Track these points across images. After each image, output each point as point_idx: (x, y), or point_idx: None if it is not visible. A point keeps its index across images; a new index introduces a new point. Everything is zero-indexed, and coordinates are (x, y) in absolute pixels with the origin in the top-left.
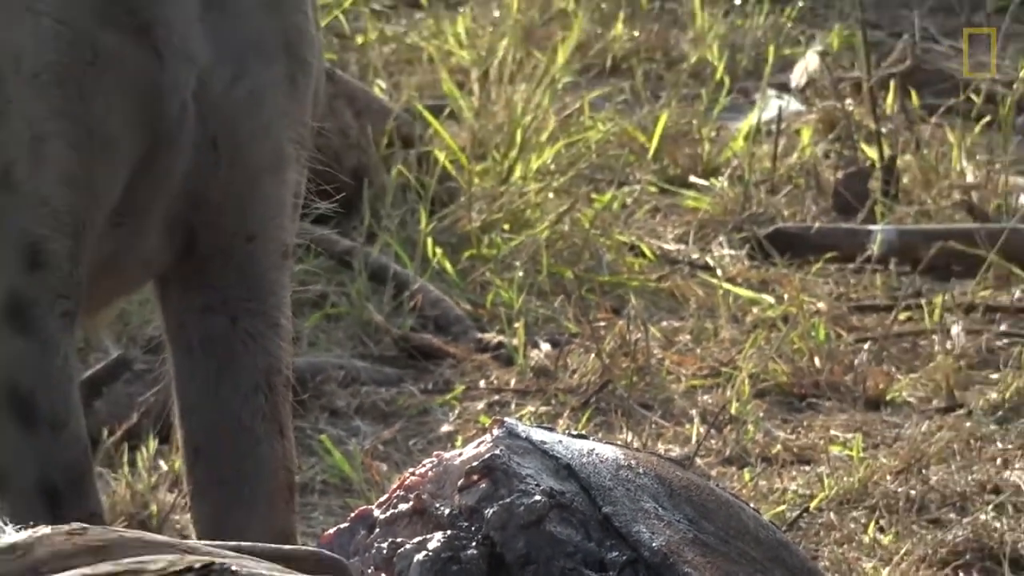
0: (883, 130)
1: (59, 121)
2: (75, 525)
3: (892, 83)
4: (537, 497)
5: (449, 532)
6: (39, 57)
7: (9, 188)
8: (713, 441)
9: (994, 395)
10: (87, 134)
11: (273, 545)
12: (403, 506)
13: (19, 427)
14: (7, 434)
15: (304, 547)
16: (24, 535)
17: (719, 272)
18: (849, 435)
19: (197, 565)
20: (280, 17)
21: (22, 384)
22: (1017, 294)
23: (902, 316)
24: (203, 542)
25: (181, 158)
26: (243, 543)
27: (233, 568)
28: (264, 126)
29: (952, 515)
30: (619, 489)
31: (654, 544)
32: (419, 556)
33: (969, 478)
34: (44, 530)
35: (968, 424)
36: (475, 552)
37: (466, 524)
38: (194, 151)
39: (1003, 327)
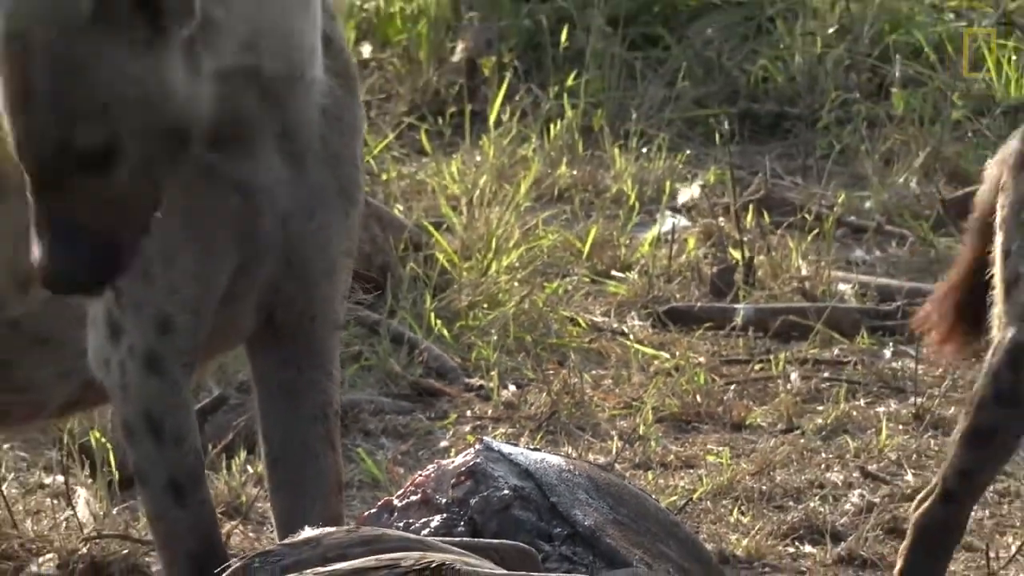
0: (744, 239)
1: (184, 239)
2: (352, 525)
3: (751, 206)
4: (505, 491)
5: (445, 515)
6: (171, 197)
7: (149, 281)
8: (627, 453)
9: (820, 420)
10: (203, 250)
11: (485, 540)
12: (414, 497)
13: (153, 442)
14: (144, 447)
15: (509, 542)
16: (316, 532)
17: (631, 336)
18: (720, 448)
19: (434, 564)
20: (338, 170)
21: (154, 411)
22: (836, 351)
23: (757, 367)
24: (435, 539)
25: (266, 267)
26: (465, 539)
27: (458, 567)
28: (323, 247)
29: (791, 503)
30: (562, 486)
31: (586, 522)
32: (425, 532)
33: (803, 478)
34: (329, 529)
35: (802, 441)
36: (463, 529)
37: (457, 510)
38: (275, 263)
39: (826, 374)
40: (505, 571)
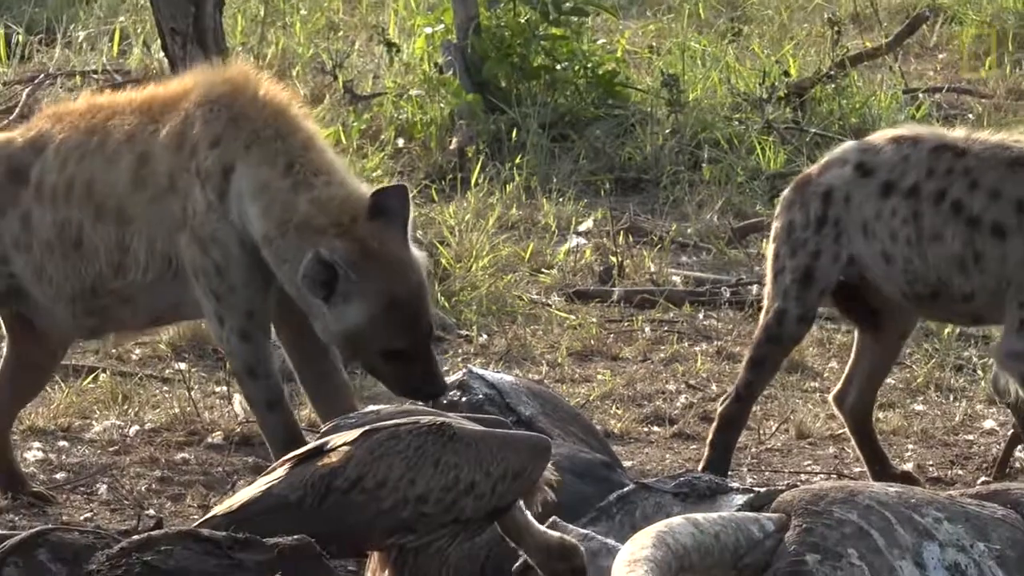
0: (618, 250)
1: (246, 280)
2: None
3: (621, 232)
4: (480, 396)
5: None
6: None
7: (234, 293)
8: (551, 374)
9: (662, 355)
10: (264, 286)
11: (501, 430)
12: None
13: (252, 381)
14: (248, 384)
15: (523, 432)
16: (375, 407)
17: (553, 307)
18: (604, 371)
19: (439, 421)
20: None
21: (249, 363)
22: (671, 315)
23: (625, 324)
24: (460, 414)
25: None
26: (478, 415)
27: (452, 424)
28: None
29: (646, 402)
30: (512, 392)
31: (526, 413)
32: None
33: (652, 388)
34: (384, 405)
35: (651, 366)
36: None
37: (452, 407)
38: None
39: (665, 329)
40: (482, 427)
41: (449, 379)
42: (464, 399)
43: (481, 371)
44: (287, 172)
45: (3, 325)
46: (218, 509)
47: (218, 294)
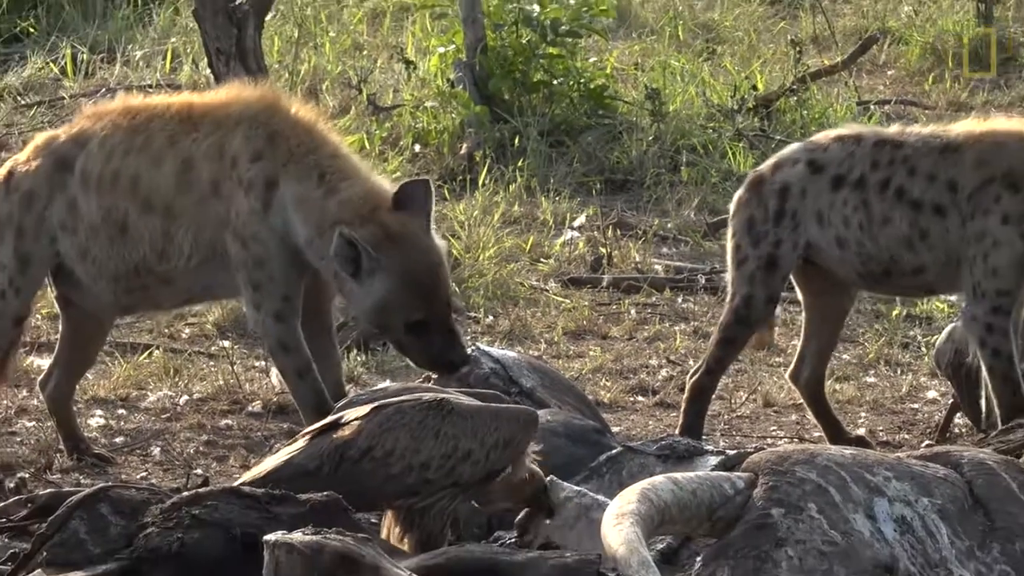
0: (607, 242)
1: (284, 271)
2: (405, 383)
3: (610, 227)
4: (486, 370)
5: (457, 383)
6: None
7: (273, 282)
8: (549, 351)
9: (645, 333)
10: (298, 278)
11: (494, 404)
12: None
13: (284, 354)
14: (281, 358)
15: (513, 405)
16: (384, 384)
17: (551, 292)
18: (595, 348)
19: (439, 398)
20: None
21: (282, 340)
22: (653, 299)
23: (614, 307)
24: (458, 390)
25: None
26: (475, 390)
27: (451, 400)
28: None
29: (631, 375)
30: (515, 367)
31: (527, 385)
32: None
33: (637, 362)
34: (391, 383)
35: (636, 344)
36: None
37: (461, 381)
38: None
39: (648, 311)
40: (477, 401)
41: None
42: (472, 373)
43: (487, 348)
44: (320, 183)
45: (57, 305)
46: (246, 477)
47: (257, 283)
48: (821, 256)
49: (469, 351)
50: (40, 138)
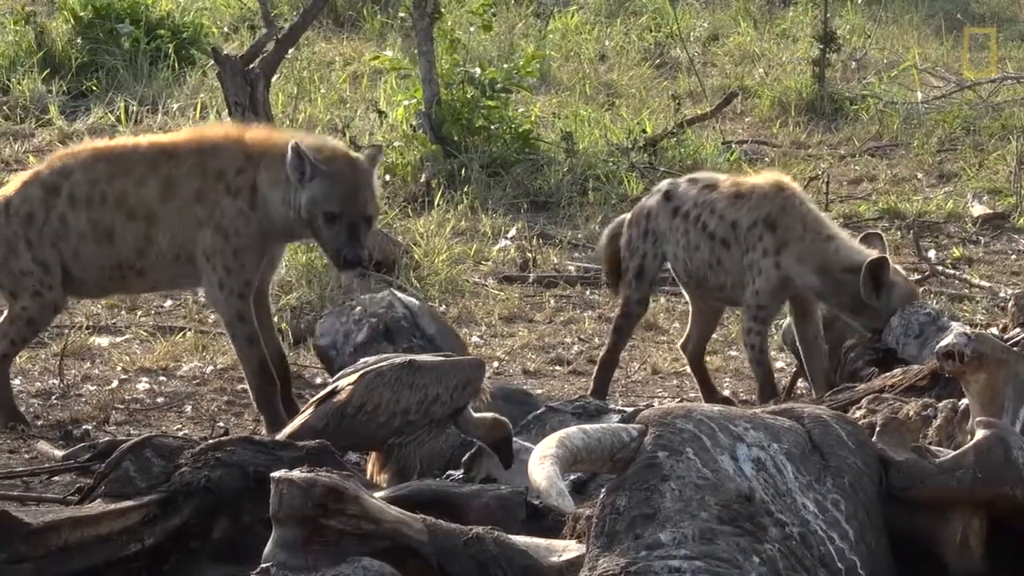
0: (531, 249)
1: (254, 260)
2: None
3: (535, 238)
4: (399, 314)
5: (375, 321)
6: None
7: (243, 268)
8: (486, 333)
9: (562, 317)
10: (260, 262)
11: (453, 357)
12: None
13: (240, 325)
14: (236, 327)
15: (465, 357)
16: (367, 358)
17: (490, 287)
18: (523, 330)
19: (409, 359)
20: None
21: (239, 313)
22: (568, 292)
23: (538, 298)
24: (424, 355)
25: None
26: (436, 355)
27: (419, 360)
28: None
29: (551, 350)
30: (421, 315)
31: (430, 332)
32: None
33: (555, 340)
34: (368, 358)
35: (554, 327)
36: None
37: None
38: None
39: (563, 301)
40: (438, 356)
41: (379, 295)
42: (390, 315)
43: (401, 295)
44: (287, 177)
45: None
46: (277, 437)
47: (229, 268)
48: (670, 266)
49: (386, 293)
50: (25, 174)
